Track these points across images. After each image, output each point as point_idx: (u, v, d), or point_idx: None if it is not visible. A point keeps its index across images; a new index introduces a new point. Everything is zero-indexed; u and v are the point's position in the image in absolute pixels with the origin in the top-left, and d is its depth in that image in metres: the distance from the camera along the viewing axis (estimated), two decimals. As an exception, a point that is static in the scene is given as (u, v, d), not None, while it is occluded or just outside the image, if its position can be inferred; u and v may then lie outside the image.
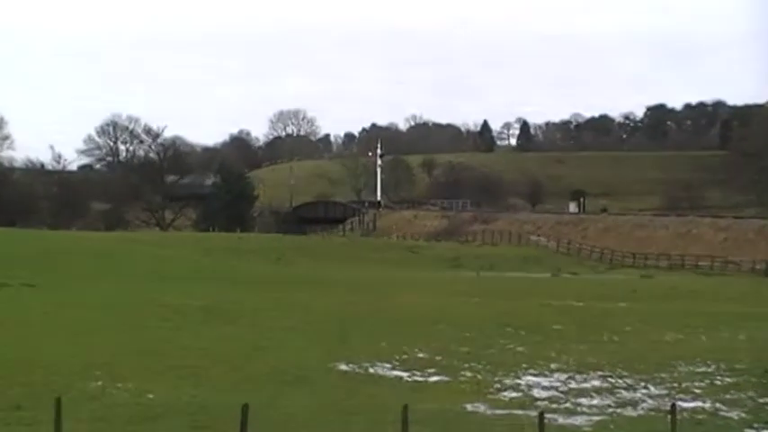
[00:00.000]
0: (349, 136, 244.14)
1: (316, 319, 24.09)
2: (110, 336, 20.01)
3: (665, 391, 16.18)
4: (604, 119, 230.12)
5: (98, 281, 34.45)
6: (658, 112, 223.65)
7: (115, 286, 32.20)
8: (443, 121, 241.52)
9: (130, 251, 51.92)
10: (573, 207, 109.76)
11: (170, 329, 21.27)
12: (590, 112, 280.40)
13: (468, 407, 15.03)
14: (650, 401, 15.62)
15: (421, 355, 19.11)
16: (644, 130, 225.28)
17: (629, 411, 15.06)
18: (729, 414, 14.96)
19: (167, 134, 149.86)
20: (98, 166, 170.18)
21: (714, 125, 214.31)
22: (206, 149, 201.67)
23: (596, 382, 16.79)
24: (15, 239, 50.43)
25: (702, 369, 18.34)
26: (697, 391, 16.27)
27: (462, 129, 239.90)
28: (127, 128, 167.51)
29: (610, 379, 17.12)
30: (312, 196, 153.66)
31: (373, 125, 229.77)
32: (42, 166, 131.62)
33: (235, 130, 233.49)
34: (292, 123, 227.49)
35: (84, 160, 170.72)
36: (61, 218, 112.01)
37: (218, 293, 30.94)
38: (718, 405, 15.45)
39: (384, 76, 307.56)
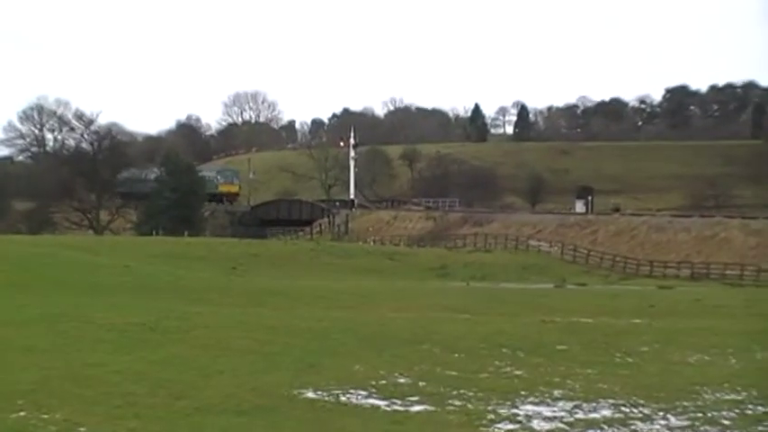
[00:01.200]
0: (317, 123, 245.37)
1: (278, 338, 24.04)
2: (34, 358, 19.90)
3: (687, 423, 16.22)
4: (616, 103, 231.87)
5: (20, 293, 34.28)
6: (679, 95, 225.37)
7: (40, 299, 32.04)
8: (428, 105, 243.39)
9: (59, 258, 51.69)
10: (579, 206, 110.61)
11: (105, 351, 21.16)
12: (599, 95, 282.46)
13: (457, 441, 15.00)
14: (670, 434, 15.65)
15: (401, 380, 19.10)
16: (663, 117, 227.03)
17: (646, 446, 15.07)
18: (763, 449, 15.00)
19: (102, 120, 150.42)
20: (20, 157, 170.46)
21: (745, 110, 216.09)
22: (148, 138, 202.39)
23: (607, 412, 16.81)
24: None
25: (732, 396, 18.40)
26: (725, 422, 16.31)
27: (450, 114, 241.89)
28: (54, 113, 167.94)
29: (623, 408, 17.14)
30: (273, 193, 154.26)
31: (345, 110, 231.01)
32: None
33: (182, 116, 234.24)
34: (250, 108, 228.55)
35: (4, 151, 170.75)
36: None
37: (162, 308, 30.84)
38: (749, 438, 15.49)
39: (357, 51, 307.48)
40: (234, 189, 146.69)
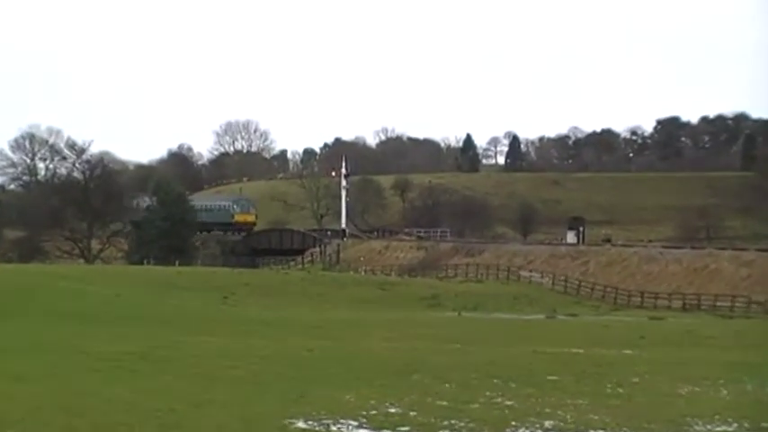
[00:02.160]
0: (309, 152, 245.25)
1: (269, 367, 24.01)
2: (25, 388, 19.85)
3: (678, 454, 16.22)
4: (608, 134, 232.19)
5: (10, 322, 34.21)
6: (670, 127, 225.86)
7: (31, 328, 31.99)
8: (419, 135, 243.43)
9: (49, 287, 51.62)
10: (571, 237, 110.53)
11: (96, 380, 21.11)
12: (591, 125, 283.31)
13: (448, 472, 14.99)
14: (661, 466, 15.65)
15: (392, 410, 19.07)
16: (654, 148, 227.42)
17: (637, 478, 15.07)
18: (754, 481, 14.98)
19: (94, 149, 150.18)
20: (12, 186, 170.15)
21: (735, 142, 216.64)
22: (140, 167, 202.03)
23: (598, 443, 16.80)
24: None
25: (723, 428, 18.39)
26: (716, 453, 16.31)
27: (442, 144, 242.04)
28: (46, 142, 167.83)
29: (614, 439, 17.13)
30: (265, 223, 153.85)
31: (337, 140, 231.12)
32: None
33: (174, 145, 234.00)
34: (242, 137, 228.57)
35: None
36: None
37: (153, 338, 30.81)
38: (740, 470, 15.49)
39: (349, 81, 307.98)
40: (251, 218, 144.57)
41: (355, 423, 17.81)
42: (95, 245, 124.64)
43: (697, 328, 45.89)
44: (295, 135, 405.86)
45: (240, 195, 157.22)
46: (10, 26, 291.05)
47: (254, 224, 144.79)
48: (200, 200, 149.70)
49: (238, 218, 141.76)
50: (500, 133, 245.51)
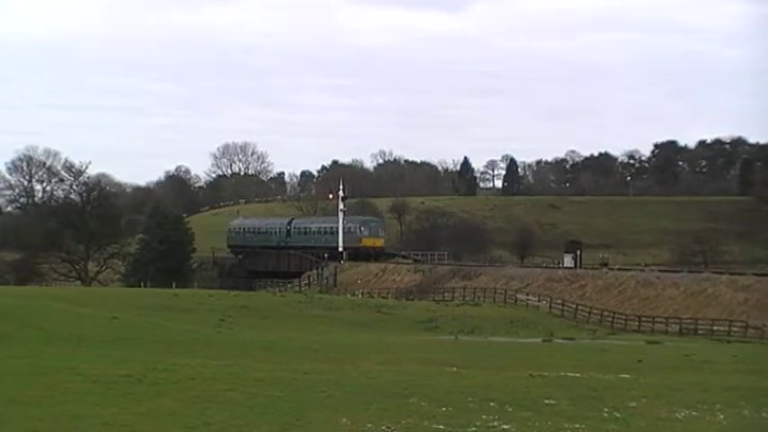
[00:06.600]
0: (306, 175, 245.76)
1: (265, 390, 23.97)
2: (21, 410, 19.81)
3: (675, 479, 16.20)
4: (605, 158, 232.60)
5: (5, 344, 34.15)
6: (668, 151, 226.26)
7: (26, 351, 31.93)
8: (417, 158, 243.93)
9: (46, 309, 51.52)
10: (568, 261, 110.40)
11: (93, 403, 21.07)
12: (588, 149, 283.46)
13: (445, 496, 14.96)
14: (658, 491, 15.62)
15: (389, 434, 19.03)
16: (651, 172, 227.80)
17: (634, 502, 15.05)
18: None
19: (91, 171, 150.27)
20: (9, 208, 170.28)
21: (733, 166, 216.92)
22: (137, 189, 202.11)
23: (595, 468, 16.77)
24: None
25: (719, 452, 18.38)
26: (713, 478, 16.29)
27: (439, 168, 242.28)
28: (44, 164, 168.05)
29: (611, 463, 17.11)
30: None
31: (334, 162, 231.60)
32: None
33: (171, 168, 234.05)
34: (239, 160, 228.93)
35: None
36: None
37: (149, 360, 30.76)
38: (737, 496, 15.48)
39: (347, 104, 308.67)
40: (379, 243, 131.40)
41: (351, 447, 17.78)
42: (92, 267, 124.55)
43: (694, 352, 45.86)
44: (292, 158, 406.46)
45: (369, 216, 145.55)
46: (9, 39, 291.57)
47: (384, 249, 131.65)
48: (318, 222, 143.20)
49: (366, 242, 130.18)
50: (497, 157, 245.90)
